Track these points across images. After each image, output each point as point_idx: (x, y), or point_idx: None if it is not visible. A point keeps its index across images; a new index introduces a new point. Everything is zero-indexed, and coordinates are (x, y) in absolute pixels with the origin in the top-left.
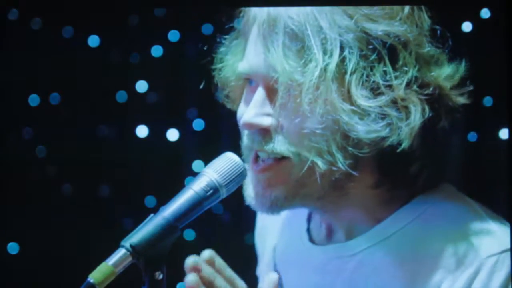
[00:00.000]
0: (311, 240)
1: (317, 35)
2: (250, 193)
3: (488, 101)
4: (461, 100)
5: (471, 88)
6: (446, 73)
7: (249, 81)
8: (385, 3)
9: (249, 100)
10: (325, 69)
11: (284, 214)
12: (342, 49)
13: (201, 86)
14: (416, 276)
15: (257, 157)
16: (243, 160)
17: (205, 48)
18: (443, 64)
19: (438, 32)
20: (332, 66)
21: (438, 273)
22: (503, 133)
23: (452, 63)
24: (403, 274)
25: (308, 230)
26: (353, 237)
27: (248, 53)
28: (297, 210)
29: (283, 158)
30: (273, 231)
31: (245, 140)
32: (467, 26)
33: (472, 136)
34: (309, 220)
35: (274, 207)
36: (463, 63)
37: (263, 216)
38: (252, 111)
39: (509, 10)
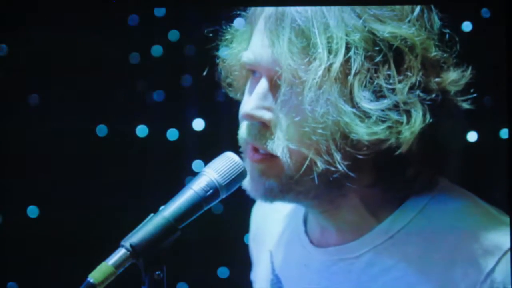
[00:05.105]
0: (311, 242)
1: (323, 33)
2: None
3: (488, 101)
4: (465, 105)
5: (475, 95)
6: (451, 78)
7: (252, 72)
8: (388, 3)
9: (252, 91)
10: (329, 69)
11: (279, 217)
12: (348, 49)
13: (204, 73)
14: (430, 272)
15: (253, 148)
16: (241, 152)
17: (210, 34)
18: (449, 69)
19: (447, 36)
20: (336, 66)
21: (457, 267)
22: (503, 133)
23: (458, 68)
24: (414, 271)
25: (306, 232)
26: (353, 238)
27: (253, 44)
28: (292, 212)
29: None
30: (268, 235)
31: (243, 132)
32: (467, 26)
33: (472, 136)
34: (305, 222)
35: (268, 196)
36: (469, 69)
37: (257, 220)
38: (253, 103)
39: (509, 10)
